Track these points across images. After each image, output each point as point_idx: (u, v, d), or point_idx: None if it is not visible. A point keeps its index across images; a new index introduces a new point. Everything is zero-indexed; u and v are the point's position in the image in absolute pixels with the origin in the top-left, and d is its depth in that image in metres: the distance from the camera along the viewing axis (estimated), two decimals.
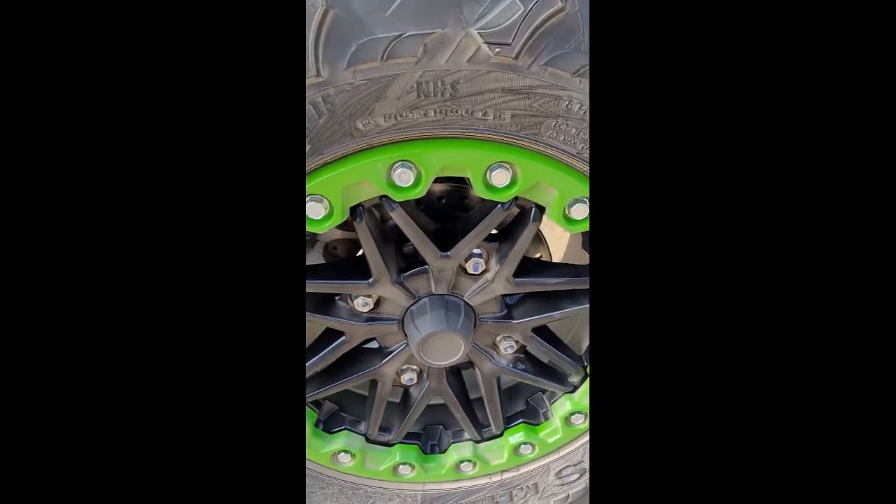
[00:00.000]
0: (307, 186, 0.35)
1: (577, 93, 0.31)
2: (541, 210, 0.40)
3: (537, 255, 0.56)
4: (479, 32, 0.28)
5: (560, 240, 0.71)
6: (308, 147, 0.32)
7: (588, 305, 0.48)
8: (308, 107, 0.30)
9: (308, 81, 0.29)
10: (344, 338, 0.49)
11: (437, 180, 0.38)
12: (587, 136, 0.34)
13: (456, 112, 0.32)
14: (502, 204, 0.39)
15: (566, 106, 0.31)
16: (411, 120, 0.32)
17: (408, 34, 0.28)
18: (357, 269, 0.46)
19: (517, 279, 0.46)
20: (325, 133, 0.32)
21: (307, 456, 0.52)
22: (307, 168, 0.34)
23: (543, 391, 0.56)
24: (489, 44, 0.28)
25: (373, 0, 0.27)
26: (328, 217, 0.37)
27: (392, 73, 0.29)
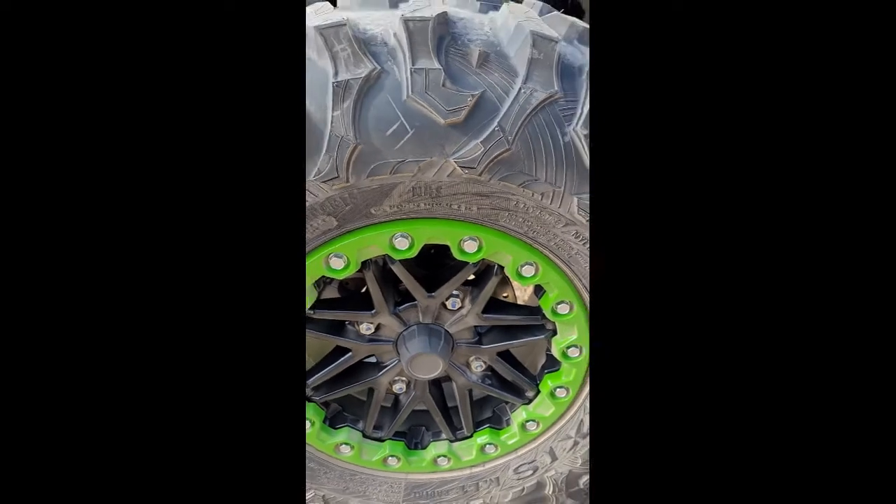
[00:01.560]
0: (334, 248, 0.49)
1: (522, 196, 0.45)
2: (501, 268, 0.54)
3: (504, 295, 0.70)
4: (455, 161, 0.42)
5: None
6: (335, 223, 0.46)
7: (542, 336, 0.62)
8: (339, 199, 0.44)
9: (340, 185, 0.43)
10: (350, 353, 0.63)
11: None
12: (531, 224, 0.48)
13: (439, 204, 0.46)
14: (472, 263, 0.53)
15: (514, 204, 0.46)
16: (409, 209, 0.46)
17: (408, 160, 0.42)
18: (362, 302, 0.60)
19: (485, 315, 0.60)
20: (349, 215, 0.46)
21: (317, 446, 0.65)
22: (336, 235, 0.48)
23: (506, 402, 0.69)
24: (462, 167, 0.42)
25: (385, 138, 0.41)
26: (346, 268, 0.51)
27: (396, 182, 0.43)
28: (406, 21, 0.38)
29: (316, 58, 0.40)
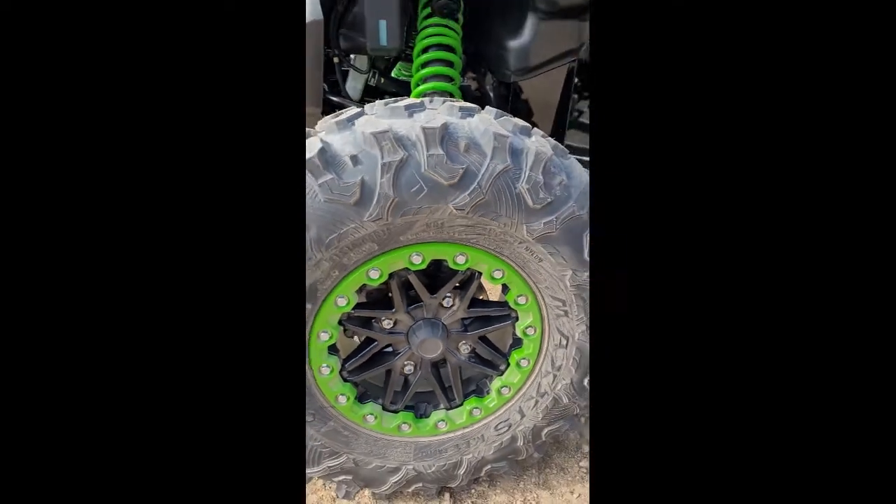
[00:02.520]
0: (374, 264, 0.74)
1: (492, 226, 0.73)
2: (479, 274, 0.81)
3: (481, 297, 0.97)
4: (452, 206, 0.70)
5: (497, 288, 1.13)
6: (377, 247, 0.72)
7: (508, 322, 0.89)
8: (381, 231, 0.70)
9: (383, 223, 0.69)
10: (375, 343, 0.87)
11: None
12: (498, 243, 0.76)
13: (441, 233, 0.73)
14: (462, 271, 0.80)
15: (487, 231, 0.73)
16: (422, 236, 0.73)
17: (424, 206, 0.69)
18: (385, 303, 0.85)
19: (470, 308, 0.87)
20: (385, 242, 0.72)
21: (350, 417, 0.87)
22: (376, 254, 0.73)
23: (486, 376, 0.95)
24: (456, 209, 0.70)
25: (411, 193, 0.68)
26: (380, 278, 0.76)
27: (417, 220, 0.70)
28: (423, 128, 0.67)
29: (370, 149, 0.67)
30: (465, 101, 1.29)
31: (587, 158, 1.23)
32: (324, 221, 0.67)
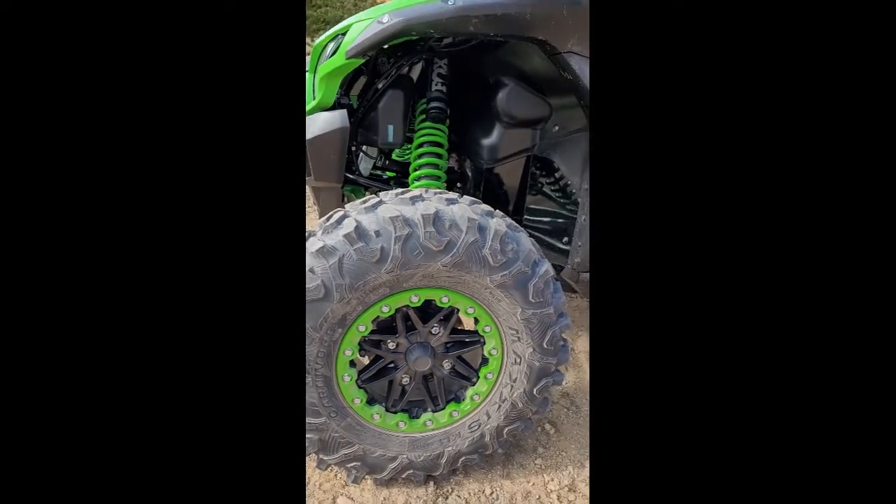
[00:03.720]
0: (385, 302, 1.08)
1: (466, 276, 1.08)
2: (457, 310, 1.16)
3: (459, 326, 1.31)
4: (440, 264, 1.05)
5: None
6: (388, 290, 1.06)
7: (479, 345, 1.22)
8: (392, 279, 1.05)
9: (394, 273, 1.04)
10: (382, 360, 1.19)
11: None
12: (471, 288, 1.11)
13: (432, 281, 1.08)
14: (445, 308, 1.14)
15: (463, 279, 1.09)
16: (420, 283, 1.07)
17: (421, 264, 1.04)
18: (391, 329, 1.18)
19: (451, 335, 1.20)
20: (394, 286, 1.06)
21: (361, 415, 1.17)
22: (387, 295, 1.07)
23: (462, 386, 1.27)
24: (442, 266, 1.05)
25: (413, 256, 1.04)
26: (388, 312, 1.09)
27: (416, 273, 1.05)
28: (422, 214, 1.03)
29: (387, 226, 1.02)
30: (452, 177, 1.70)
31: (548, 219, 1.62)
32: (355, 273, 1.01)
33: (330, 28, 1.45)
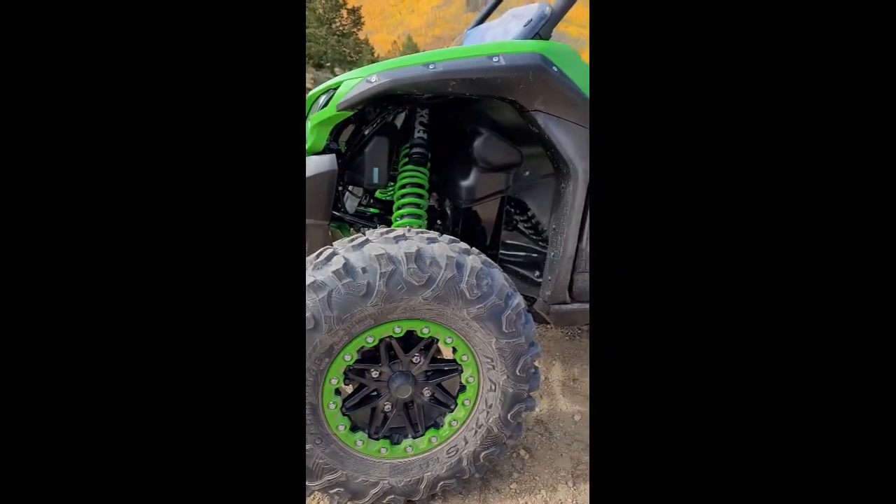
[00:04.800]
0: (370, 333, 1.16)
1: (445, 309, 1.18)
2: (437, 340, 1.25)
3: (438, 356, 1.39)
4: (421, 298, 1.15)
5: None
6: (373, 322, 1.15)
7: (457, 374, 1.31)
8: (377, 312, 1.14)
9: (379, 307, 1.13)
10: (366, 388, 1.26)
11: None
12: (449, 319, 1.20)
13: (414, 313, 1.17)
14: (425, 338, 1.23)
15: (441, 312, 1.18)
16: (402, 315, 1.17)
17: (404, 298, 1.14)
18: (375, 359, 1.26)
19: (431, 364, 1.29)
20: (379, 318, 1.15)
21: (345, 441, 1.23)
22: (371, 326, 1.16)
23: (441, 412, 1.34)
24: (423, 299, 1.15)
25: (397, 290, 1.13)
26: (373, 343, 1.18)
27: (399, 306, 1.15)
28: (405, 252, 1.13)
29: (373, 264, 1.12)
30: (433, 215, 1.82)
31: (521, 253, 1.74)
32: (342, 306, 1.09)
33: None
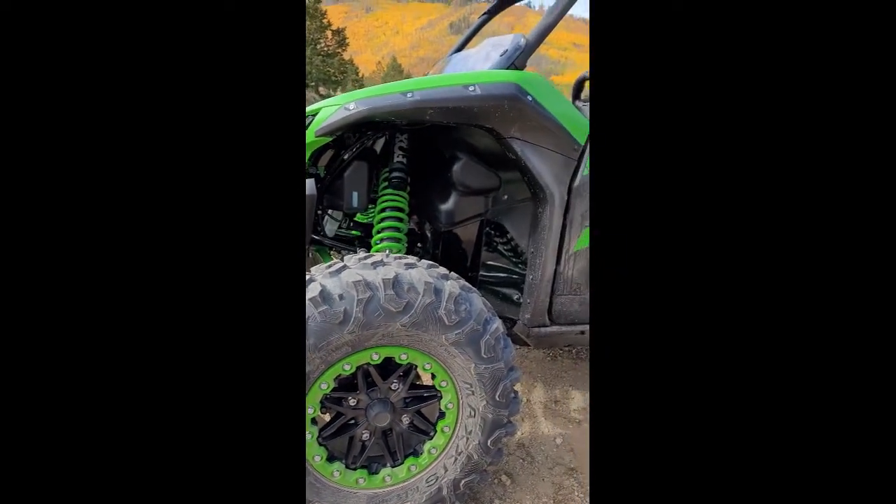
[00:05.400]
0: (347, 360, 1.15)
1: (423, 335, 1.17)
2: (416, 366, 1.24)
3: (417, 382, 1.38)
4: (399, 324, 1.14)
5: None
6: (350, 349, 1.14)
7: (436, 400, 1.29)
8: (354, 339, 1.13)
9: (356, 334, 1.12)
10: (343, 416, 1.23)
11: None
12: (427, 345, 1.20)
13: (391, 339, 1.16)
14: (404, 364, 1.22)
15: (420, 338, 1.18)
16: (380, 342, 1.16)
17: (381, 324, 1.13)
18: (352, 387, 1.24)
19: (410, 390, 1.27)
20: (356, 345, 1.14)
21: (321, 472, 1.20)
22: (349, 354, 1.15)
23: (420, 440, 1.32)
24: (401, 325, 1.15)
25: (375, 317, 1.13)
26: (350, 370, 1.16)
27: (376, 332, 1.14)
28: (382, 278, 1.13)
29: (350, 290, 1.12)
30: (413, 238, 1.82)
31: (502, 274, 1.75)
32: (319, 334, 1.08)
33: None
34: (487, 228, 1.73)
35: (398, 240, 1.54)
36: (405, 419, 1.28)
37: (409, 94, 1.21)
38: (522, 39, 1.34)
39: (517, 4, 2.04)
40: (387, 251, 1.45)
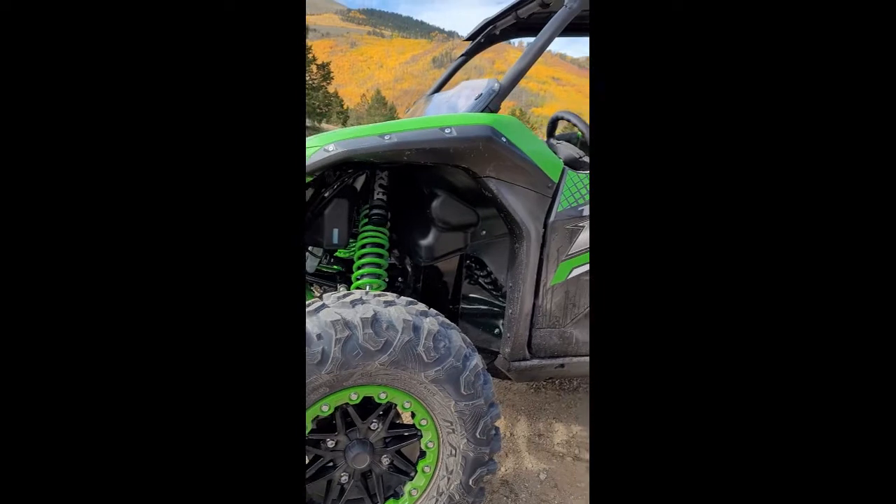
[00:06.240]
0: (325, 401, 1.14)
1: (401, 373, 1.17)
2: (395, 405, 1.23)
3: (398, 421, 1.36)
4: (378, 363, 1.14)
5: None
6: (328, 389, 1.13)
7: (416, 440, 1.28)
8: (332, 379, 1.12)
9: (334, 373, 1.11)
10: (321, 459, 1.21)
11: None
12: (406, 383, 1.19)
13: (371, 379, 1.16)
14: (383, 404, 1.21)
15: (398, 376, 1.17)
16: (358, 381, 1.15)
17: (360, 363, 1.13)
18: (331, 428, 1.22)
19: (389, 430, 1.26)
20: (334, 385, 1.13)
21: None
22: (327, 394, 1.13)
23: (401, 481, 1.29)
24: (380, 364, 1.14)
25: (353, 356, 1.12)
26: (328, 411, 1.15)
27: (355, 372, 1.13)
28: (361, 317, 1.13)
29: (328, 329, 1.12)
30: (394, 273, 1.83)
31: (483, 307, 1.76)
32: None
33: None
34: (468, 261, 1.76)
35: (378, 276, 1.55)
36: (385, 460, 1.26)
37: (386, 137, 1.25)
38: (496, 84, 1.40)
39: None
40: (367, 288, 1.46)
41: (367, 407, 1.23)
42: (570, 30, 2.12)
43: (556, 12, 1.38)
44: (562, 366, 1.57)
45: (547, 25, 1.38)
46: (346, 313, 1.14)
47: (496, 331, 1.66)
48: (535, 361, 1.55)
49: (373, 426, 1.22)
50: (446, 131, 1.27)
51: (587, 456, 1.82)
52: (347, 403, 1.17)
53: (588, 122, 1.90)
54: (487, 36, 2.17)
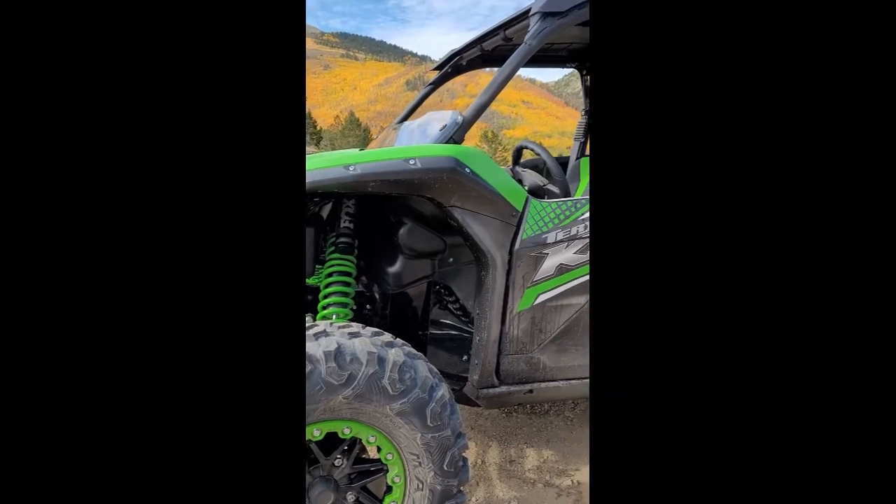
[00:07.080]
0: (316, 426, 1.10)
1: (367, 407, 1.15)
2: (360, 440, 1.20)
3: (363, 456, 1.33)
4: (342, 397, 1.12)
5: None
6: (317, 418, 1.10)
7: (382, 474, 1.25)
8: (324, 409, 1.09)
9: (327, 403, 1.09)
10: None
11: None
12: (371, 417, 1.17)
13: (334, 413, 1.13)
14: (347, 439, 1.18)
15: (363, 411, 1.15)
16: (322, 417, 1.12)
17: (323, 398, 1.11)
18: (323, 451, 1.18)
19: (355, 466, 1.23)
20: (324, 410, 1.10)
21: None
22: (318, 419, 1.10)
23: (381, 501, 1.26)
24: (344, 398, 1.12)
25: (315, 390, 1.10)
26: (318, 438, 1.11)
27: (317, 407, 1.11)
28: (324, 351, 1.11)
29: (320, 358, 1.09)
30: (362, 300, 1.81)
31: (453, 332, 1.76)
32: None
33: None
34: (437, 286, 1.76)
35: (345, 304, 1.54)
36: (350, 497, 1.22)
37: (351, 168, 1.25)
38: (460, 116, 1.44)
39: None
40: (332, 318, 1.44)
41: (330, 442, 1.20)
42: (534, 62, 2.20)
43: (518, 45, 1.44)
44: (531, 391, 1.58)
45: (509, 60, 1.43)
46: (310, 347, 1.12)
47: (465, 357, 1.66)
48: (504, 388, 1.55)
49: (337, 462, 1.19)
50: (410, 162, 1.29)
51: (558, 482, 1.82)
52: (310, 441, 1.14)
53: (549, 152, 1.96)
54: (454, 66, 2.23)
